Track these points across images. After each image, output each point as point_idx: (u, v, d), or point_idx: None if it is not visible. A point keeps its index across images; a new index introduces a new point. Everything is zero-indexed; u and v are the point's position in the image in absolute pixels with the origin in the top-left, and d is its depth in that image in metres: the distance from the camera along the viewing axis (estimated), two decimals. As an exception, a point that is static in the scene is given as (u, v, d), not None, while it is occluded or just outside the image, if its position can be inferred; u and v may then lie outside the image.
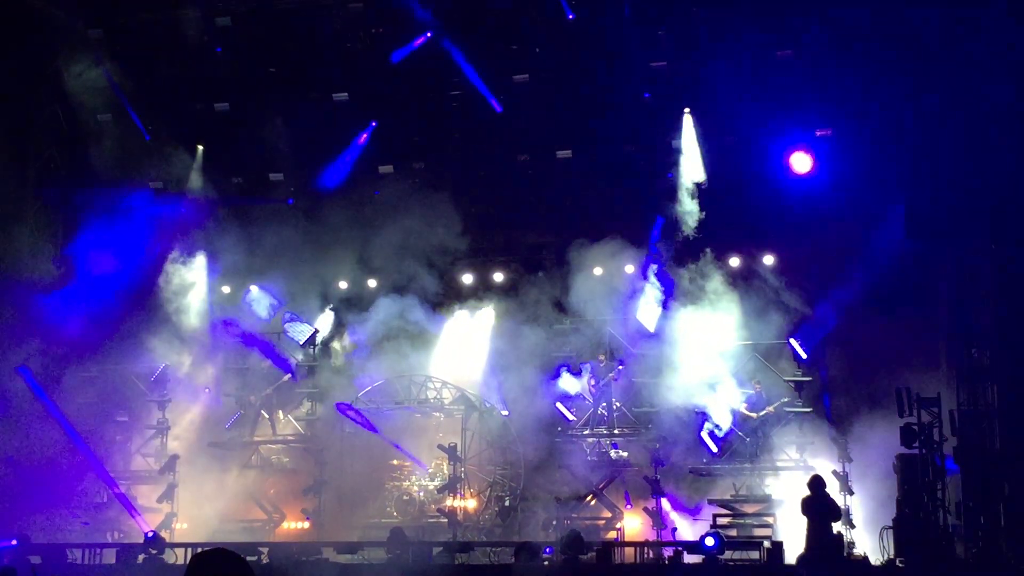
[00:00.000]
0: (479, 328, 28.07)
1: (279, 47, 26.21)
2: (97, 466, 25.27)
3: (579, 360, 25.57)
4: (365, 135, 26.90)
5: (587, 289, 25.73)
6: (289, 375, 27.17)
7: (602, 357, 24.90)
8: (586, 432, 24.94)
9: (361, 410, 26.06)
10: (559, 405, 24.88)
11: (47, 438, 24.88)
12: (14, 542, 21.62)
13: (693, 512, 23.63)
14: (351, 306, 28.51)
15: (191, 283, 27.34)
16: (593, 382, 25.00)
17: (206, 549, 4.95)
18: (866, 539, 21.00)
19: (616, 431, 24.95)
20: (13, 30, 24.82)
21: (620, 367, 24.70)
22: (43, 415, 24.94)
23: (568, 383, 24.97)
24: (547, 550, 20.43)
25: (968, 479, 20.20)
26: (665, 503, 23.23)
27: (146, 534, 22.04)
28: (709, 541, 19.64)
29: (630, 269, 25.62)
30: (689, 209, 26.65)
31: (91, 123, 26.72)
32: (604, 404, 25.01)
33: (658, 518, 22.45)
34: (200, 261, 27.50)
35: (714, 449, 23.85)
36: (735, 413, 24.03)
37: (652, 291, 25.14)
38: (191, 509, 25.29)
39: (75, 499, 24.99)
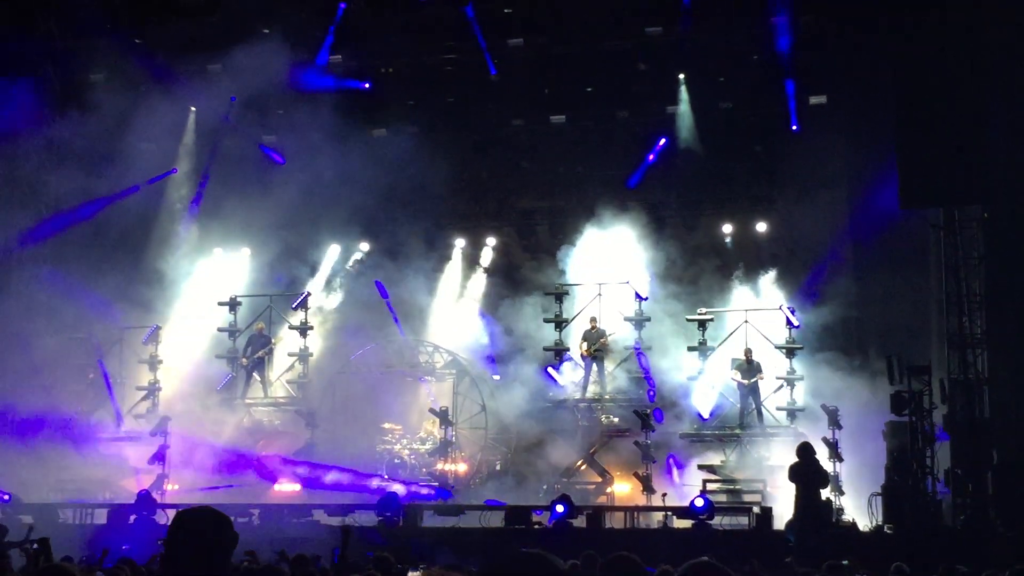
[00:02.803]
0: (471, 293, 28.04)
1: (273, 7, 26.04)
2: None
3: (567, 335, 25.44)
4: (361, 89, 26.94)
5: (579, 254, 25.70)
6: (281, 338, 27.12)
7: (593, 323, 24.83)
8: (577, 397, 24.94)
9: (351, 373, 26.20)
10: (550, 370, 24.88)
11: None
12: (7, 497, 21.66)
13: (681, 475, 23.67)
14: (342, 269, 28.46)
15: (183, 240, 27.43)
16: (584, 349, 24.87)
17: (191, 507, 4.93)
18: (855, 505, 21.08)
19: (607, 396, 24.95)
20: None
21: (611, 333, 24.63)
22: None
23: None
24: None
25: (957, 447, 20.25)
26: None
27: (140, 492, 22.09)
28: (699, 502, 19.72)
29: (623, 234, 25.51)
30: (682, 176, 26.65)
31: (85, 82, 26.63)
32: (596, 370, 24.97)
33: (649, 483, 22.44)
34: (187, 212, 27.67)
35: (705, 415, 23.89)
36: (726, 380, 24.05)
37: (644, 257, 25.09)
38: (182, 471, 25.28)
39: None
